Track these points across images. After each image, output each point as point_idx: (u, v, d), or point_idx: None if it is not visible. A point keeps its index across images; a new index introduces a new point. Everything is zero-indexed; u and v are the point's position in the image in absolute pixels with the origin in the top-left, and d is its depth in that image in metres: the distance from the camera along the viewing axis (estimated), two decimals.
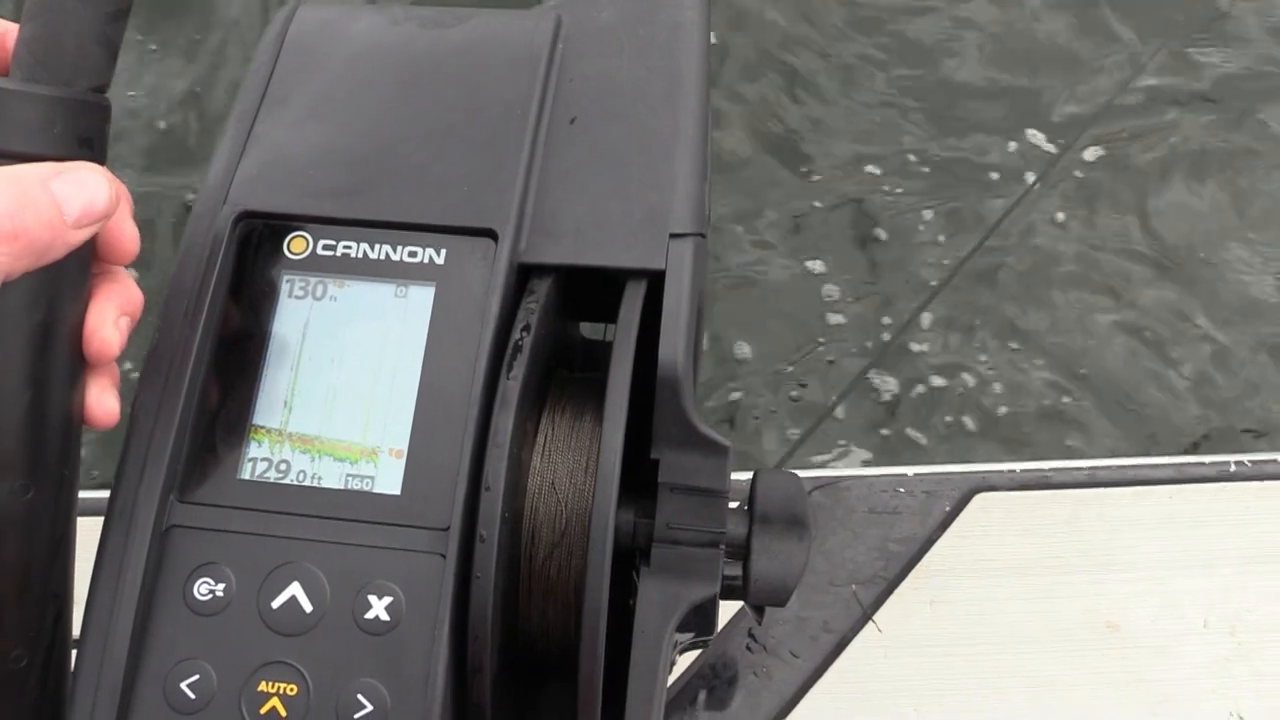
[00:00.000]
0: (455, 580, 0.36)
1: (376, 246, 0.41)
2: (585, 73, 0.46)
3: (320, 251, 0.41)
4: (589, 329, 0.54)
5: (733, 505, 0.45)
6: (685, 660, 0.67)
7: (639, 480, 0.42)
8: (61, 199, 0.33)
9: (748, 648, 0.68)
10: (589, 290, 0.44)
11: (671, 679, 0.67)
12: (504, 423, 0.37)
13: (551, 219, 0.42)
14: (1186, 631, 0.68)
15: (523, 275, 0.42)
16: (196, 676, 0.37)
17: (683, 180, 0.43)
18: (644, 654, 0.40)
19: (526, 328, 0.39)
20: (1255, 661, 0.67)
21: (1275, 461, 0.72)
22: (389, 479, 0.39)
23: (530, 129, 0.43)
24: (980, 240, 1.20)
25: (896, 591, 0.69)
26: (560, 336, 0.46)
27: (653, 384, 0.40)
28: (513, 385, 0.38)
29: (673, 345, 0.40)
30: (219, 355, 0.40)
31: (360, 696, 0.36)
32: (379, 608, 0.37)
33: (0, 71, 0.37)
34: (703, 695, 0.68)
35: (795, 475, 0.45)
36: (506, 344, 0.39)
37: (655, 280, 0.41)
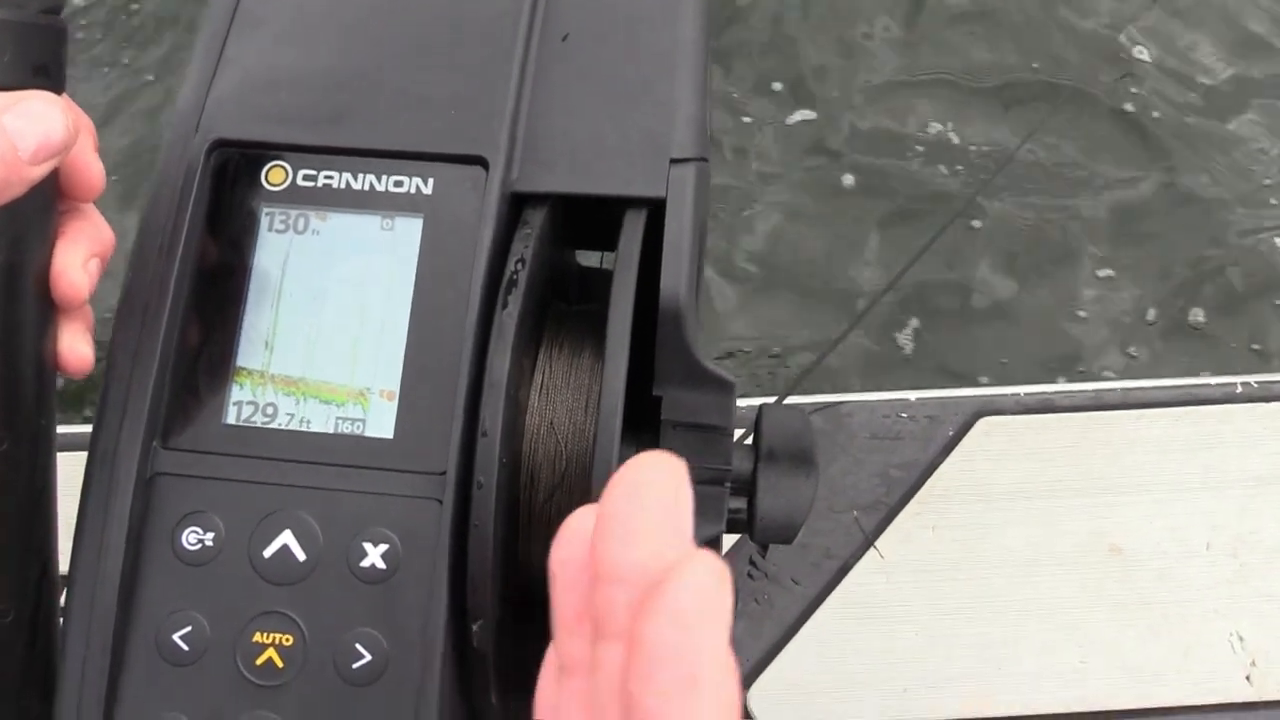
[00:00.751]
0: (453, 527, 0.35)
1: (360, 176, 0.39)
2: None
3: (300, 182, 0.39)
4: (585, 254, 0.51)
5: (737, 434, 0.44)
6: None
7: (640, 414, 0.40)
8: (14, 133, 0.30)
9: (749, 575, 0.68)
10: (585, 217, 0.42)
11: None
12: (500, 363, 0.35)
13: (545, 144, 0.40)
14: (1189, 554, 0.67)
15: (515, 204, 0.39)
16: (189, 628, 0.35)
17: (683, 100, 0.41)
18: None
19: (521, 261, 0.37)
20: (1256, 583, 0.66)
21: None
22: (381, 422, 0.37)
23: (520, 47, 0.41)
24: (952, 217, 1.17)
25: (898, 517, 0.69)
26: (556, 266, 0.44)
27: (653, 316, 0.39)
28: (508, 323, 0.36)
29: (675, 278, 0.38)
30: (197, 293, 0.38)
31: (359, 646, 0.35)
32: (374, 555, 0.36)
33: None
34: None
35: (801, 410, 0.43)
36: (500, 278, 0.37)
37: (655, 208, 0.39)
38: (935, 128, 1.57)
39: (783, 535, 0.43)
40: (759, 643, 0.66)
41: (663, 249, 0.38)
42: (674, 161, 0.39)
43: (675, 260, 0.38)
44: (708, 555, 0.21)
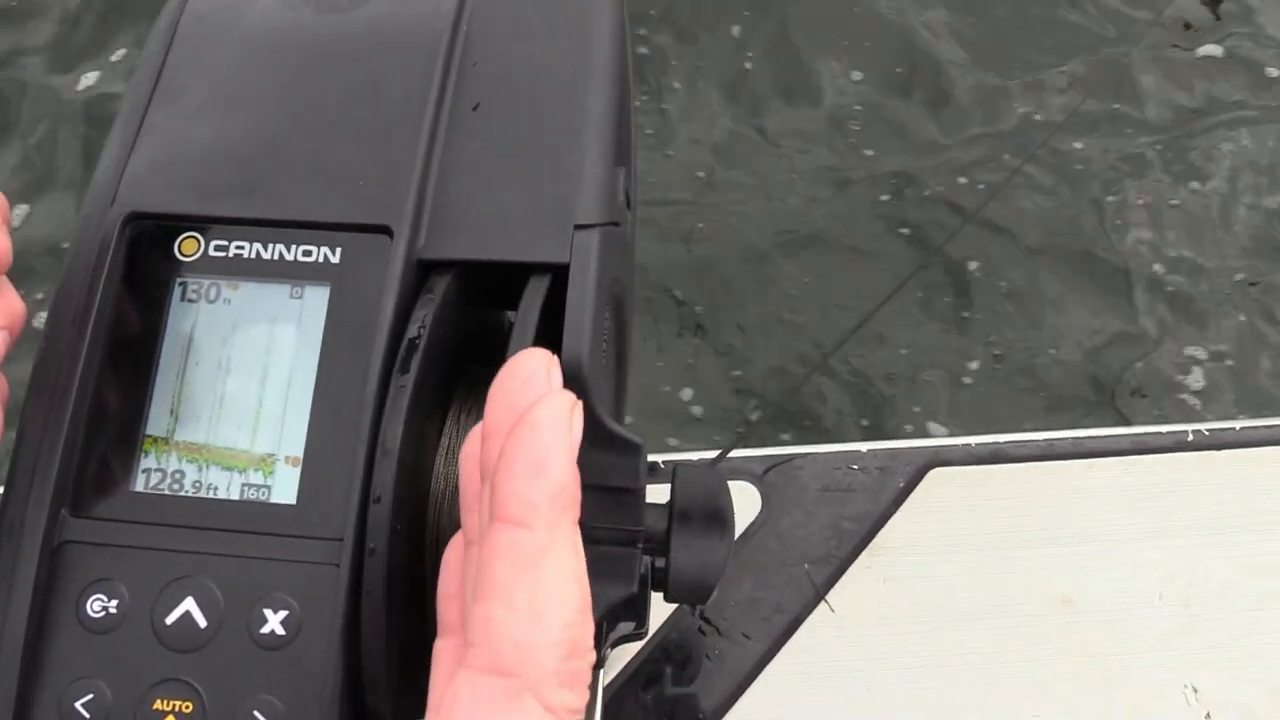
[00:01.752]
0: (348, 592, 0.35)
1: (270, 246, 0.40)
2: (490, 56, 0.44)
3: (212, 252, 0.40)
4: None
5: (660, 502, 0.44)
6: (633, 648, 0.67)
7: None
8: None
9: (700, 630, 0.68)
10: (503, 284, 0.43)
11: (620, 665, 0.66)
12: (393, 430, 0.36)
13: (452, 212, 0.41)
14: (1141, 605, 0.67)
15: (424, 272, 0.40)
16: (91, 696, 0.36)
17: (590, 167, 0.41)
18: None
19: (423, 326, 0.38)
20: (1208, 634, 0.66)
21: (1233, 430, 0.71)
22: (285, 488, 0.37)
23: (429, 117, 0.42)
24: (942, 243, 1.18)
25: (849, 570, 0.69)
26: (473, 330, 0.45)
27: None
28: (402, 390, 0.36)
29: (576, 341, 0.38)
30: (109, 363, 0.39)
31: (256, 713, 0.35)
32: (274, 621, 0.36)
33: None
34: (664, 675, 0.67)
35: (717, 470, 0.44)
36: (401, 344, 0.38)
37: (561, 273, 0.40)
38: None
39: (696, 595, 0.43)
40: (710, 699, 0.66)
41: (565, 313, 0.39)
42: (578, 227, 0.40)
43: (577, 323, 0.39)
44: (563, 390, 0.27)
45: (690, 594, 0.42)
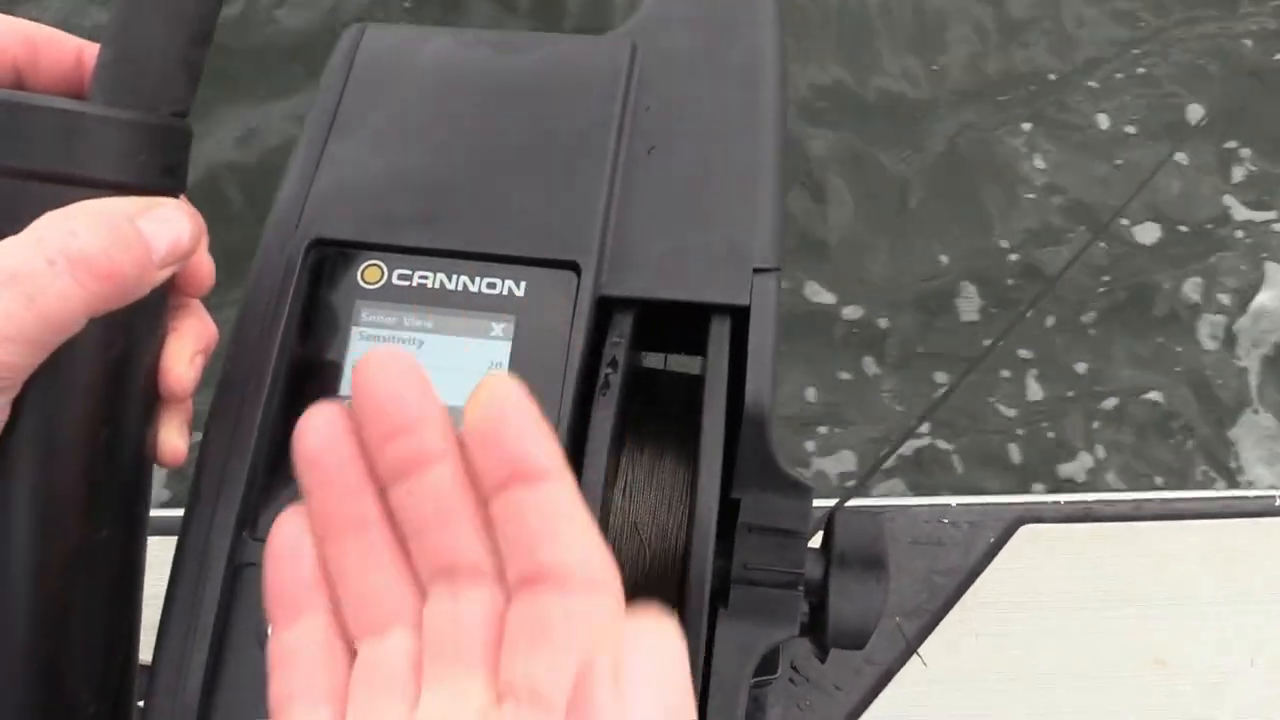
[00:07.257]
0: None
1: (454, 277, 0.40)
2: (662, 100, 0.45)
3: (395, 281, 0.40)
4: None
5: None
6: None
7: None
8: (150, 237, 0.31)
9: (790, 680, 0.67)
10: (661, 322, 0.43)
11: None
12: (597, 464, 0.36)
13: (632, 251, 0.41)
14: (1234, 670, 0.67)
15: (603, 308, 0.41)
16: None
17: (763, 212, 0.42)
18: (722, 697, 0.39)
19: (613, 364, 0.38)
20: None
21: None
22: None
23: (610, 158, 0.42)
24: (1034, 300, 1.16)
25: (942, 624, 0.68)
26: (632, 368, 0.45)
27: (731, 420, 0.39)
28: (604, 425, 0.37)
29: (759, 385, 0.39)
30: (291, 387, 0.39)
31: None
32: None
33: (78, 93, 0.36)
34: None
35: (875, 515, 0.44)
36: (589, 379, 0.38)
37: (737, 315, 0.40)
38: None
39: (854, 641, 0.43)
40: None
41: (747, 356, 0.39)
42: (757, 271, 0.41)
43: (759, 367, 0.39)
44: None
45: (849, 639, 0.42)
